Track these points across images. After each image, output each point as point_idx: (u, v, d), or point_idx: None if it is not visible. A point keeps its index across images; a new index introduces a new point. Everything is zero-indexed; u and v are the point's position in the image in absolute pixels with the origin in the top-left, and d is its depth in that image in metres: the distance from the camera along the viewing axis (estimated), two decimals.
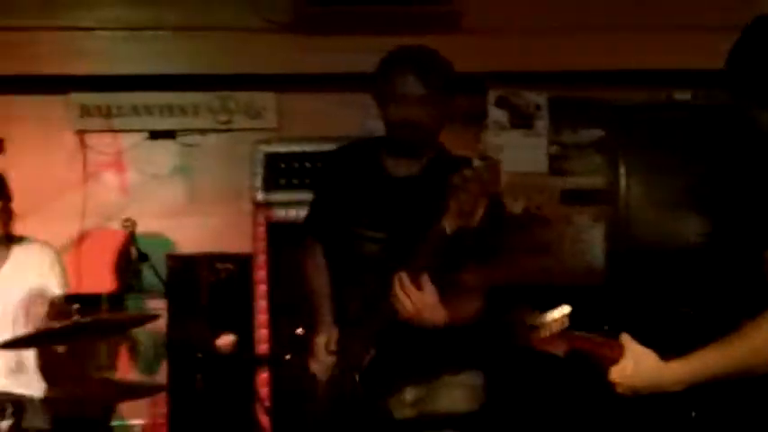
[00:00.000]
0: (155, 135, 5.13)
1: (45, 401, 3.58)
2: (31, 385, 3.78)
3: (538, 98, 5.14)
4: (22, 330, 3.65)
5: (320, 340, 2.92)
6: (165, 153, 5.16)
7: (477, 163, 2.44)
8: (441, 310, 2.66)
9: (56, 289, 3.84)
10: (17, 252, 3.82)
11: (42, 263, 3.85)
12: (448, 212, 2.47)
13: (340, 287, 2.98)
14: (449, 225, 2.48)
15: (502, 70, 4.95)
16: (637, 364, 2.08)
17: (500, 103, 5.14)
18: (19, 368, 3.77)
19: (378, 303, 2.70)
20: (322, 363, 2.90)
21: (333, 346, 2.87)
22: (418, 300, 2.60)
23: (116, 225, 4.06)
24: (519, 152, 5.10)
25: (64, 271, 3.94)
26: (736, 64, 2.10)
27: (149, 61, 4.86)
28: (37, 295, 3.80)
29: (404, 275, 2.60)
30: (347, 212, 2.94)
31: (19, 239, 3.85)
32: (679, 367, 2.06)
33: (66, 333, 3.52)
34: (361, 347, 2.77)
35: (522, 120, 5.15)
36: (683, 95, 5.09)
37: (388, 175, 2.94)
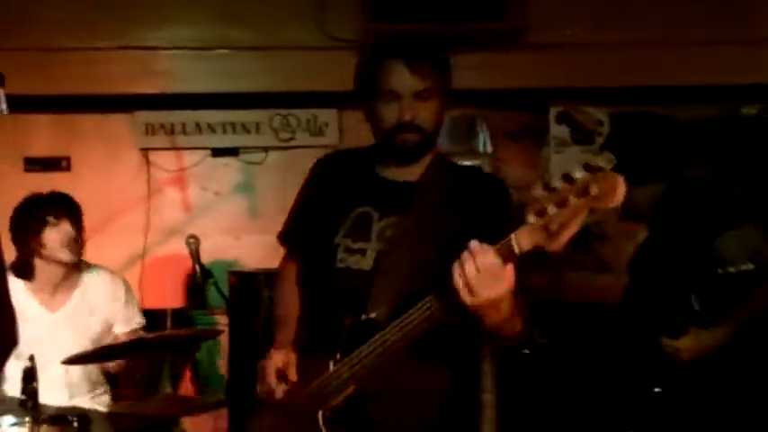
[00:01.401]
0: (218, 152, 5.17)
1: (110, 416, 3.62)
2: (97, 400, 3.83)
3: (600, 114, 5.08)
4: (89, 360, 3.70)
5: (269, 363, 2.52)
6: (228, 170, 5.20)
7: (579, 173, 1.92)
8: (506, 279, 2.10)
9: (125, 322, 3.89)
10: (87, 280, 3.85)
11: (113, 294, 3.88)
12: (523, 228, 2.02)
13: (324, 306, 2.52)
14: (521, 243, 2.03)
15: (563, 86, 4.91)
16: None
17: (561, 119, 5.10)
18: (86, 383, 3.81)
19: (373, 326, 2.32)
20: (267, 387, 2.50)
21: (292, 375, 2.46)
22: (482, 264, 2.06)
23: (179, 242, 4.07)
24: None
25: (135, 303, 3.98)
26: None
27: (213, 79, 4.90)
28: (107, 327, 3.85)
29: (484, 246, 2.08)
30: (334, 223, 2.51)
31: (88, 267, 3.89)
32: None
33: (131, 349, 3.57)
34: (339, 381, 2.34)
35: (583, 135, 5.10)
36: (749, 110, 5.01)
37: (380, 180, 2.54)
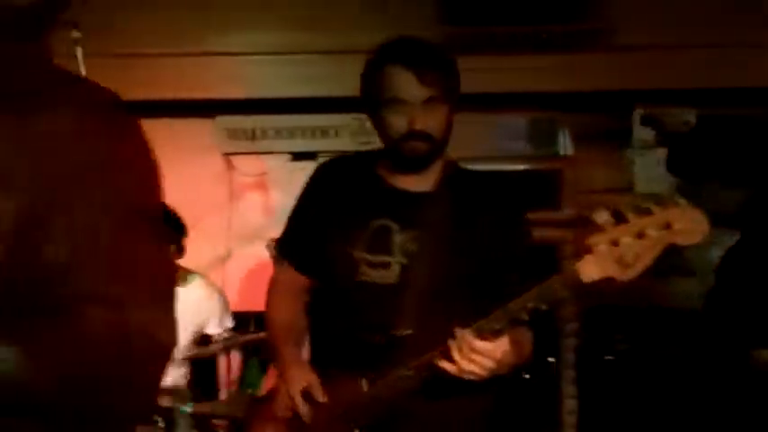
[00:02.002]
0: (298, 157, 5.20)
1: (194, 415, 3.67)
2: (181, 399, 3.89)
3: (687, 115, 4.98)
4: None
5: (292, 382, 2.37)
6: (308, 174, 5.22)
7: (657, 206, 1.93)
8: (510, 360, 2.17)
9: (218, 324, 3.95)
10: (182, 285, 3.93)
11: (207, 297, 3.94)
12: (592, 257, 2.00)
13: (345, 321, 2.40)
14: (590, 273, 2.00)
15: (647, 88, 4.83)
16: None
17: (646, 121, 5.02)
18: (173, 384, 3.87)
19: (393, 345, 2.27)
20: (291, 407, 2.37)
21: (320, 396, 2.34)
22: (487, 362, 2.11)
23: (261, 245, 4.11)
24: (664, 171, 4.97)
25: (226, 310, 4.03)
26: None
27: (293, 84, 4.94)
28: (200, 329, 3.91)
29: (467, 337, 2.10)
30: (347, 234, 2.40)
31: (185, 272, 3.94)
32: None
33: (223, 350, 3.62)
34: (374, 400, 2.28)
35: (668, 138, 5.01)
36: None
37: (394, 190, 2.43)
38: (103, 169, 1.26)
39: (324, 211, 2.46)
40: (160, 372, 1.30)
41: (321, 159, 5.16)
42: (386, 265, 2.35)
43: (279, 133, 5.20)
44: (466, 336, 2.09)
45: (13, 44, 1.32)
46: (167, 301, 1.33)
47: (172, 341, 1.31)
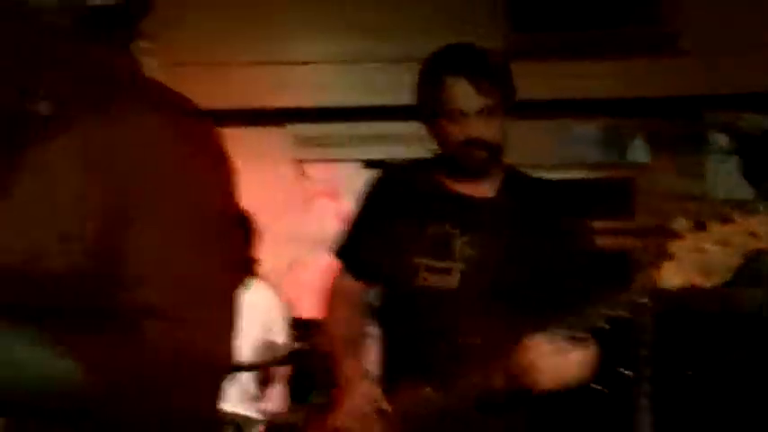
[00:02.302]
0: (370, 164, 5.21)
1: (266, 424, 3.70)
2: (252, 407, 3.92)
3: (763, 121, 4.88)
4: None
5: (356, 393, 2.33)
6: (366, 182, 5.22)
7: (740, 215, 1.94)
8: (580, 373, 2.14)
9: (282, 331, 3.97)
10: (247, 291, 3.95)
11: (270, 304, 3.97)
12: (673, 263, 1.99)
13: (407, 328, 2.39)
14: (669, 280, 2.01)
15: (721, 93, 4.74)
16: None
17: (721, 127, 4.92)
18: (242, 391, 3.90)
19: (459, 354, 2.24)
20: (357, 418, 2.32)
21: (385, 405, 2.30)
22: (558, 370, 2.10)
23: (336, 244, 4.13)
24: (741, 178, 4.87)
25: (290, 315, 4.06)
26: None
27: (364, 92, 4.95)
28: (265, 336, 3.94)
29: (540, 343, 2.09)
30: (407, 240, 2.39)
31: (249, 279, 4.00)
32: None
33: (290, 359, 3.64)
34: (440, 408, 2.25)
35: (744, 143, 4.91)
36: None
37: (455, 195, 2.43)
38: (180, 181, 1.26)
39: (383, 217, 2.46)
40: (217, 388, 1.31)
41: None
42: (447, 271, 2.33)
43: (350, 141, 5.22)
44: (539, 342, 2.08)
45: (94, 49, 1.34)
46: (226, 320, 1.32)
47: (229, 359, 1.32)
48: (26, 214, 1.25)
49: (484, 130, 2.31)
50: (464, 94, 2.31)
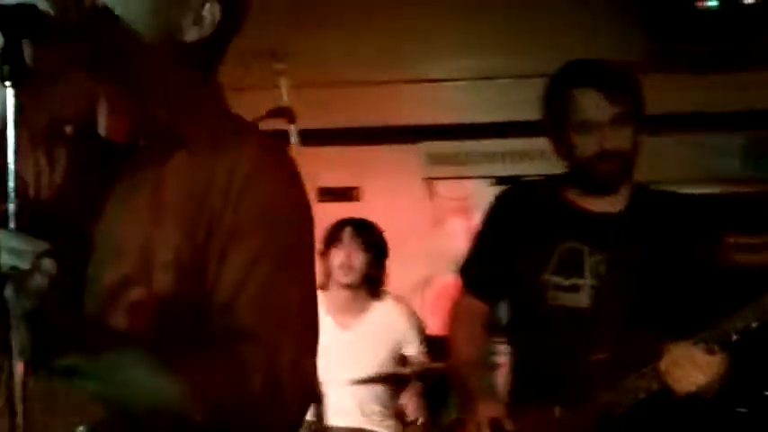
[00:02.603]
0: (501, 181, 5.17)
1: None
2: (384, 423, 3.92)
3: None
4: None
5: (480, 415, 2.28)
6: (490, 202, 5.17)
7: None
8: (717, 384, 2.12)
9: (414, 345, 3.97)
10: (377, 304, 3.97)
11: (400, 319, 3.98)
12: None
13: (536, 346, 2.37)
14: None
15: None
16: None
17: None
18: (374, 406, 3.91)
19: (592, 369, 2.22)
20: None
21: (509, 426, 2.26)
22: (704, 370, 2.09)
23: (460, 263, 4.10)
24: None
25: (422, 331, 4.04)
26: None
27: (495, 109, 4.92)
28: (395, 350, 3.94)
29: (689, 350, 2.09)
30: (536, 258, 2.35)
31: (376, 292, 3.99)
32: None
33: (416, 376, 3.63)
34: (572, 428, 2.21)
35: None
36: None
37: (584, 212, 2.38)
38: (266, 216, 1.35)
39: (509, 236, 2.44)
40: (305, 409, 1.41)
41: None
42: (576, 288, 2.30)
43: (482, 158, 5.19)
44: (683, 345, 2.08)
45: (185, 85, 1.42)
46: (313, 344, 1.40)
47: (315, 381, 1.41)
48: (123, 240, 1.34)
49: (617, 140, 2.28)
50: (595, 104, 2.28)
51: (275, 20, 4.64)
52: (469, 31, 4.83)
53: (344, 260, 3.87)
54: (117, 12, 1.34)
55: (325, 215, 4.10)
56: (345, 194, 5.25)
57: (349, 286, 3.90)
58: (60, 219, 1.36)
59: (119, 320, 1.31)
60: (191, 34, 1.41)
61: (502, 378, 2.57)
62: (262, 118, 3.54)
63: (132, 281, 1.33)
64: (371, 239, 3.92)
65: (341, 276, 3.87)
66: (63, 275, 1.18)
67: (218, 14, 1.42)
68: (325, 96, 4.75)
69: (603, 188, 2.35)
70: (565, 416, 2.23)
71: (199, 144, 1.38)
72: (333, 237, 3.91)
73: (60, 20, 1.26)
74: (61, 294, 1.19)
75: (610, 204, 2.37)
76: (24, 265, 1.16)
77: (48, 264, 1.17)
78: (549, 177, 2.54)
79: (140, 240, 1.34)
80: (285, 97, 3.67)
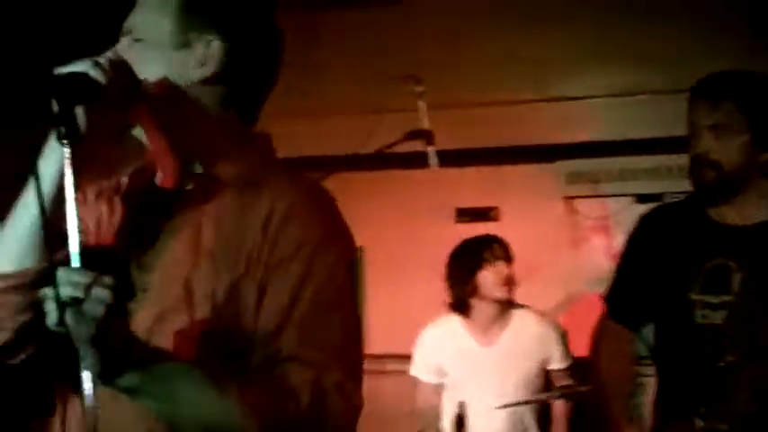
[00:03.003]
0: (642, 199, 5.09)
1: None
2: None
3: None
4: (520, 396, 3.79)
5: None
6: (631, 226, 5.07)
7: None
8: None
9: (559, 360, 3.94)
10: (518, 320, 3.95)
11: (545, 335, 3.95)
12: None
13: (675, 366, 2.36)
14: None
15: None
16: None
17: None
18: (517, 426, 3.89)
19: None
20: None
21: None
22: None
23: (605, 291, 4.04)
24: None
25: (566, 344, 4.00)
26: None
27: (634, 125, 4.85)
28: (539, 366, 3.91)
29: None
30: (679, 278, 2.34)
31: (519, 307, 3.98)
32: None
33: (563, 396, 3.61)
34: None
35: None
36: None
37: (728, 227, 2.35)
38: (305, 247, 1.47)
39: (655, 259, 2.43)
40: (352, 427, 1.49)
41: (667, 200, 5.05)
42: (724, 306, 2.27)
43: (622, 175, 5.12)
44: None
45: (220, 128, 1.57)
46: (357, 368, 1.50)
47: (359, 402, 1.48)
48: (168, 274, 1.49)
49: (713, 147, 2.26)
50: (698, 111, 2.30)
51: (413, 44, 4.71)
52: (606, 47, 4.79)
53: (507, 274, 3.86)
54: (143, 74, 1.51)
55: (464, 235, 4.13)
56: (483, 215, 5.25)
57: (502, 302, 3.85)
58: (116, 257, 1.53)
59: (164, 347, 1.43)
60: (198, 74, 1.55)
61: (647, 401, 2.53)
62: (400, 140, 3.59)
63: (176, 311, 1.46)
64: (510, 253, 3.94)
65: (500, 292, 3.85)
66: (118, 304, 1.32)
67: (221, 53, 1.56)
68: (463, 117, 4.78)
69: (721, 197, 2.33)
70: (705, 426, 2.20)
71: (237, 183, 1.52)
72: (480, 254, 3.89)
73: (109, 85, 1.42)
74: (118, 321, 1.33)
75: (745, 215, 2.34)
76: (82, 295, 1.28)
77: (102, 293, 1.30)
78: (691, 194, 2.50)
79: (183, 274, 1.47)
80: (425, 120, 3.71)
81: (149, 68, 1.52)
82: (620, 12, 4.60)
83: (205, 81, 1.56)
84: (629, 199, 5.12)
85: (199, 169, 1.55)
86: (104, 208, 1.62)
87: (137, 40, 1.55)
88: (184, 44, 1.55)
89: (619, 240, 5.09)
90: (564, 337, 4.02)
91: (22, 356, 1.49)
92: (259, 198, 1.50)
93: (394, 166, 4.73)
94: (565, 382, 3.87)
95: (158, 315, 1.47)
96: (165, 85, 1.53)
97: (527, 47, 4.81)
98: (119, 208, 1.61)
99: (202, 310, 1.45)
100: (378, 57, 4.64)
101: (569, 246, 5.16)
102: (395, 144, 3.59)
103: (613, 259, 5.12)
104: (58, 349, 1.32)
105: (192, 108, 1.56)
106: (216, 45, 1.56)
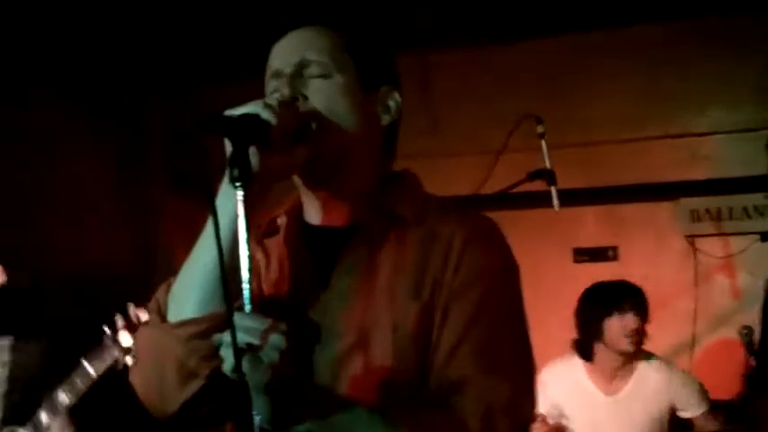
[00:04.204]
0: (766, 237, 4.97)
1: None
2: None
3: None
4: None
5: None
6: None
7: None
8: None
9: (694, 410, 3.84)
10: (643, 369, 3.84)
11: (671, 384, 3.84)
12: None
13: None
14: None
15: None
16: None
17: None
18: None
19: None
20: None
21: None
22: None
23: (730, 330, 3.95)
24: None
25: (697, 390, 3.89)
26: None
27: (759, 162, 4.75)
28: (664, 415, 3.81)
29: None
30: None
31: (645, 355, 3.86)
32: None
33: None
34: None
35: None
36: None
37: None
38: (483, 276, 1.51)
39: None
40: None
41: None
42: None
43: (745, 213, 5.00)
44: None
45: (384, 168, 1.63)
46: (529, 387, 1.52)
47: (530, 415, 1.51)
48: (342, 317, 1.49)
49: None
50: None
51: (534, 83, 4.73)
52: (728, 82, 4.72)
53: (634, 328, 3.74)
54: (325, 113, 1.53)
55: (581, 275, 4.09)
56: (602, 254, 5.19)
57: (626, 354, 3.77)
58: (283, 302, 1.53)
59: (340, 392, 1.44)
60: (384, 120, 1.62)
61: None
62: (523, 180, 3.59)
63: (360, 350, 1.46)
64: (645, 303, 3.82)
65: (625, 344, 3.72)
66: (292, 350, 1.32)
67: (399, 101, 1.64)
68: (585, 156, 4.76)
69: None
70: None
71: (410, 219, 1.56)
72: (610, 302, 3.77)
73: (278, 126, 1.43)
74: (292, 367, 1.33)
75: None
76: (257, 341, 1.29)
77: (277, 339, 1.31)
78: None
79: (359, 316, 1.48)
80: (546, 158, 3.70)
81: (336, 105, 1.54)
82: (745, 48, 4.54)
83: (384, 126, 1.62)
84: (754, 237, 5.00)
85: (368, 209, 1.58)
86: (261, 254, 1.63)
87: (323, 76, 1.56)
88: (369, 88, 1.60)
89: (743, 280, 5.01)
90: (693, 384, 3.90)
91: (211, 405, 1.48)
92: (435, 231, 1.54)
93: (513, 206, 4.74)
94: (711, 428, 3.76)
95: (333, 359, 1.47)
96: (335, 128, 1.54)
97: (651, 84, 4.78)
98: (275, 252, 1.62)
99: (379, 351, 1.46)
100: (498, 96, 4.68)
101: (693, 285, 5.06)
102: (517, 184, 3.59)
103: (737, 299, 5.03)
104: (231, 396, 1.32)
105: (361, 149, 1.59)
106: (396, 95, 1.64)
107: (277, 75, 1.58)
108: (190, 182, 1.33)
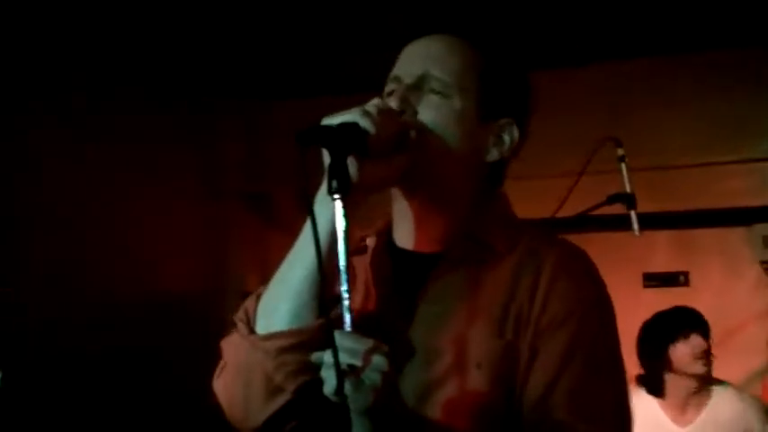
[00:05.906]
0: None
1: None
2: None
3: None
4: None
5: None
6: None
7: None
8: None
9: None
10: (716, 397, 3.75)
11: (746, 413, 3.72)
12: None
13: None
14: None
15: None
16: None
17: None
18: None
19: None
20: None
21: None
22: None
23: None
24: None
25: None
26: None
27: None
28: None
29: None
30: None
31: (718, 383, 3.79)
32: None
33: None
34: None
35: None
36: None
37: None
38: (574, 312, 1.45)
39: None
40: None
41: None
42: None
43: None
44: None
45: (483, 197, 1.57)
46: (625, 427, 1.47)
47: None
48: (436, 340, 1.45)
49: None
50: None
51: (606, 109, 4.71)
52: None
53: (704, 348, 3.67)
54: (435, 131, 1.48)
55: (651, 301, 4.04)
56: (673, 280, 5.13)
57: (700, 377, 3.70)
58: (369, 325, 1.44)
59: (434, 418, 1.39)
60: (492, 154, 1.56)
61: None
62: (602, 203, 3.56)
63: (446, 380, 1.42)
64: (707, 324, 3.77)
65: (696, 367, 3.66)
66: (393, 372, 1.28)
67: (516, 137, 1.57)
68: (653, 180, 4.71)
69: None
70: None
71: (496, 249, 1.50)
72: (673, 327, 3.73)
73: (377, 136, 1.37)
74: (393, 390, 1.29)
75: None
76: (359, 362, 1.24)
77: (380, 361, 1.26)
78: None
79: (454, 341, 1.43)
80: (626, 182, 3.67)
81: (446, 127, 1.49)
82: None
83: (492, 162, 1.56)
84: None
85: (459, 236, 1.52)
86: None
87: (441, 94, 1.51)
88: (487, 118, 1.54)
89: None
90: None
91: (294, 422, 1.44)
92: (524, 262, 1.48)
93: (584, 229, 4.70)
94: None
95: (428, 382, 1.43)
96: (438, 145, 1.49)
97: (723, 108, 4.73)
98: (366, 272, 1.57)
99: (474, 377, 1.41)
100: (574, 119, 4.66)
101: (764, 313, 4.98)
102: (596, 207, 3.56)
103: None
104: (325, 417, 1.29)
105: (461, 175, 1.54)
106: (515, 130, 1.57)
107: (397, 80, 1.54)
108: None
